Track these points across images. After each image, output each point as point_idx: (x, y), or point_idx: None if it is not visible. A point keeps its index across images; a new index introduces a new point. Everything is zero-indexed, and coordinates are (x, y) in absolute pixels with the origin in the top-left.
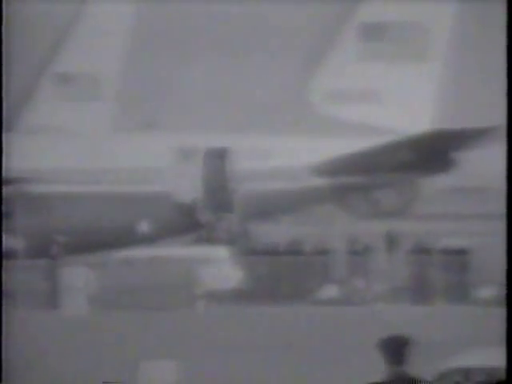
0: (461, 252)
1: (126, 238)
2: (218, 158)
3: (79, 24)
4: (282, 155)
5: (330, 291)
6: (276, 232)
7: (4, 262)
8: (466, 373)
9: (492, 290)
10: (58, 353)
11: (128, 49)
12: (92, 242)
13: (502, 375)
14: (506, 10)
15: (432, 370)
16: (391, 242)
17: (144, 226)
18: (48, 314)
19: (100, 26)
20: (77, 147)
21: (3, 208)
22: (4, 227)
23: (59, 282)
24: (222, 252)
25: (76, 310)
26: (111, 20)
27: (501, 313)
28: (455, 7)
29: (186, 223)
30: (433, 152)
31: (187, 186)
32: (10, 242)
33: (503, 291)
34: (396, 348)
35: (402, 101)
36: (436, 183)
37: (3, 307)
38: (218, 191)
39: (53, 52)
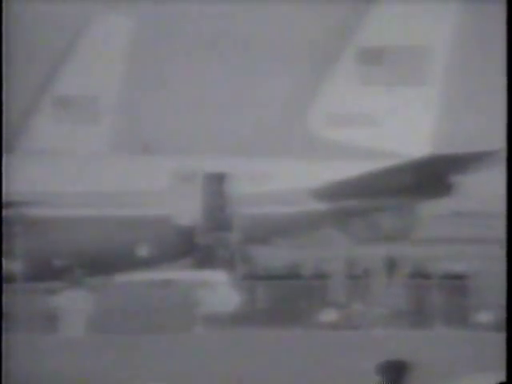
0: (460, 276)
1: (125, 261)
2: (217, 181)
3: (77, 47)
4: (281, 179)
5: (329, 315)
6: (275, 256)
7: (3, 285)
8: None
9: (491, 315)
10: (56, 375)
11: (126, 72)
12: (91, 266)
13: None
14: (506, 34)
15: None
16: (391, 266)
17: (143, 250)
18: (47, 337)
19: (98, 48)
20: (76, 170)
21: (1, 231)
22: (3, 250)
23: (58, 306)
24: (220, 275)
25: (74, 333)
26: (109, 42)
27: (500, 337)
28: (454, 31)
29: (185, 247)
30: (432, 176)
31: (186, 210)
32: (9, 264)
33: (502, 316)
34: (395, 373)
35: (402, 125)
36: (435, 207)
37: (3, 330)
38: (217, 215)
39: (52, 75)
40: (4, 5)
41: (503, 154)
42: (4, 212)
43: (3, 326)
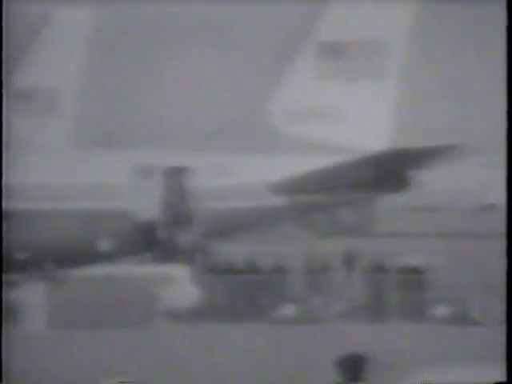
0: (417, 270)
1: (85, 255)
2: (176, 176)
3: (37, 39)
4: (240, 173)
5: (288, 309)
6: (234, 250)
7: None
8: None
9: (447, 309)
10: (15, 370)
11: (86, 64)
12: (51, 259)
13: None
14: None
15: None
16: (349, 260)
17: (103, 244)
18: (6, 331)
19: (58, 40)
20: (36, 163)
21: None
22: None
23: (18, 299)
24: (180, 270)
25: (34, 327)
26: (69, 35)
27: (455, 331)
28: (412, 26)
29: (145, 241)
30: (390, 171)
31: (146, 204)
32: None
33: (458, 310)
34: (352, 366)
35: (360, 119)
36: (393, 202)
37: None
38: (177, 209)
39: (11, 67)
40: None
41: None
42: None
43: None
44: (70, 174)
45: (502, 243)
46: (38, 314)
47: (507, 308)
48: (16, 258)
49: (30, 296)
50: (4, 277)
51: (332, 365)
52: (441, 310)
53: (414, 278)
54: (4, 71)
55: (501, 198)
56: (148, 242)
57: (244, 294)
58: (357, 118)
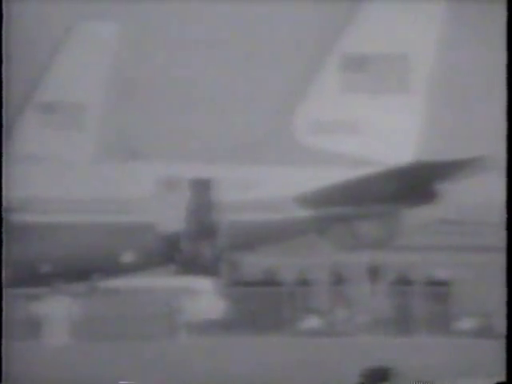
0: (443, 283)
1: (109, 267)
2: (202, 188)
3: (63, 52)
4: (265, 186)
5: (312, 322)
6: (258, 263)
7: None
8: None
9: (473, 322)
10: (40, 382)
11: (112, 77)
12: (75, 272)
13: None
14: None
15: None
16: (374, 273)
17: (128, 256)
18: (30, 344)
19: (83, 54)
20: (61, 177)
21: None
22: None
23: (42, 312)
24: (204, 283)
25: (58, 340)
26: (94, 49)
27: (481, 344)
28: (438, 39)
29: (169, 253)
30: (416, 183)
31: (171, 217)
32: None
33: (484, 323)
34: (378, 379)
35: (386, 132)
36: (419, 215)
37: None
38: (202, 221)
39: (37, 80)
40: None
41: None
42: None
43: None
44: (96, 187)
45: None
46: (62, 326)
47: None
48: (40, 270)
49: (54, 309)
50: (28, 290)
51: (357, 377)
52: (467, 323)
53: (439, 290)
54: (29, 84)
55: None
56: (172, 254)
57: (268, 306)
58: (382, 131)
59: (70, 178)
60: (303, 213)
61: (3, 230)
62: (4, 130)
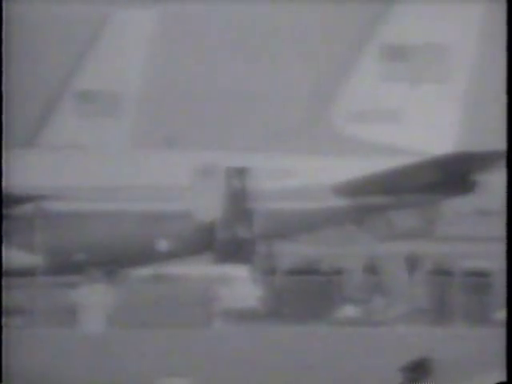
0: (482, 274)
1: (145, 255)
2: (238, 176)
3: (99, 41)
4: (302, 175)
5: (349, 311)
6: (295, 252)
7: (23, 279)
8: None
9: None
10: (76, 370)
11: (148, 66)
12: (111, 260)
13: None
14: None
15: None
16: (412, 263)
17: (163, 244)
18: (66, 332)
19: (120, 42)
20: (96, 165)
21: (19, 224)
22: (23, 244)
23: (78, 300)
24: (240, 271)
25: (94, 327)
26: (131, 37)
27: None
28: (478, 28)
29: (205, 242)
30: (455, 174)
31: (207, 205)
32: (29, 258)
33: None
34: (420, 372)
35: (425, 122)
36: (458, 205)
37: (18, 324)
38: (238, 210)
39: (73, 68)
40: (4, 4)
41: (505, 155)
42: (25, 206)
43: (14, 320)
44: (132, 175)
45: None
46: (97, 314)
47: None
48: (75, 259)
49: (90, 297)
50: (64, 278)
51: (396, 368)
52: (505, 314)
53: (478, 281)
54: (65, 72)
55: None
56: (208, 242)
57: (304, 295)
58: (422, 121)
59: (106, 166)
60: (340, 202)
61: (39, 218)
62: (39, 119)
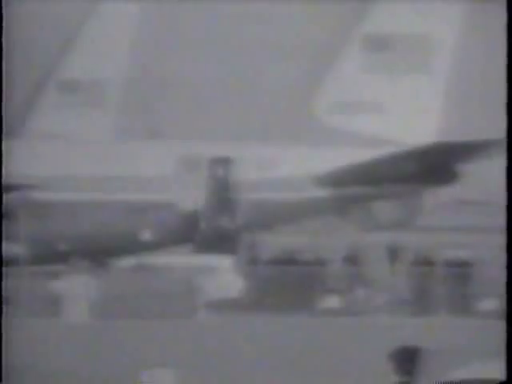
0: (463, 264)
1: (128, 246)
2: (221, 167)
3: (83, 30)
4: (284, 165)
5: (331, 302)
6: (277, 242)
7: (5, 269)
8: None
9: (494, 303)
10: (58, 360)
11: (132, 56)
12: (95, 250)
13: None
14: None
15: (433, 381)
16: (393, 253)
17: (146, 235)
18: (49, 322)
19: (104, 32)
20: (80, 155)
21: (4, 213)
22: (5, 233)
23: (61, 290)
24: (223, 261)
25: (77, 318)
26: (115, 27)
27: (503, 325)
28: (459, 19)
29: (188, 232)
30: (436, 164)
31: (190, 195)
32: (12, 248)
33: (504, 304)
34: (408, 358)
35: (406, 112)
36: (439, 195)
37: (3, 314)
38: (221, 200)
39: (58, 58)
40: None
41: (504, 146)
42: (7, 195)
43: (3, 310)
44: (115, 165)
45: None
46: (80, 304)
47: (507, 306)
48: (59, 249)
49: (73, 287)
50: (48, 268)
51: (376, 357)
52: (487, 304)
53: (460, 271)
54: (49, 62)
55: None
56: (191, 232)
57: (286, 285)
58: (403, 112)
59: (89, 156)
60: (322, 192)
61: (21, 208)
62: (23, 108)
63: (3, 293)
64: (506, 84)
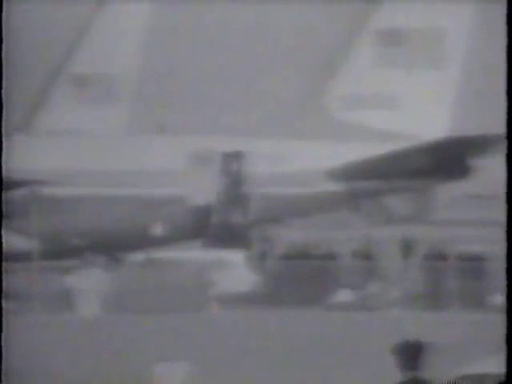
0: (476, 258)
1: (139, 240)
2: (233, 161)
3: (95, 25)
4: (297, 160)
5: (344, 296)
6: (290, 236)
7: (18, 264)
8: (480, 379)
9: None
10: (72, 354)
11: (143, 50)
12: (106, 245)
13: None
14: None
15: (446, 376)
16: (406, 247)
17: (158, 229)
18: (61, 316)
19: (115, 26)
20: (92, 149)
21: (15, 209)
22: (18, 228)
23: (73, 285)
24: (235, 255)
25: (89, 312)
26: (126, 21)
27: None
28: (473, 13)
29: (200, 226)
30: (449, 158)
31: (202, 190)
32: (24, 243)
33: None
34: (411, 353)
35: (419, 107)
36: (452, 190)
37: (13, 309)
38: (233, 195)
39: (69, 53)
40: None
41: (500, 140)
42: (19, 190)
43: (9, 305)
44: (127, 160)
45: None
46: (92, 299)
47: (507, 300)
48: (71, 243)
49: (85, 281)
50: (60, 262)
51: (389, 351)
52: (500, 299)
53: (473, 265)
54: (60, 56)
55: None
56: (203, 227)
57: (299, 279)
58: (416, 106)
59: (100, 151)
60: (335, 187)
61: (34, 203)
62: (34, 103)
63: (16, 288)
64: (506, 84)
